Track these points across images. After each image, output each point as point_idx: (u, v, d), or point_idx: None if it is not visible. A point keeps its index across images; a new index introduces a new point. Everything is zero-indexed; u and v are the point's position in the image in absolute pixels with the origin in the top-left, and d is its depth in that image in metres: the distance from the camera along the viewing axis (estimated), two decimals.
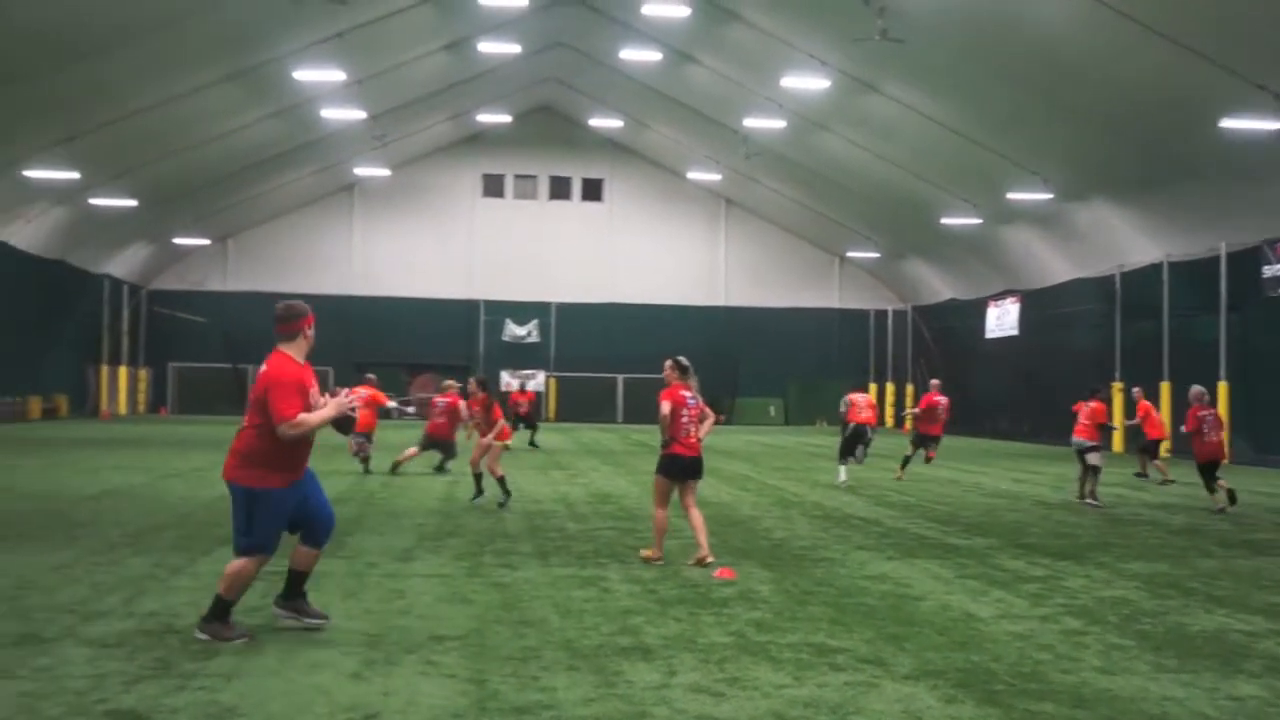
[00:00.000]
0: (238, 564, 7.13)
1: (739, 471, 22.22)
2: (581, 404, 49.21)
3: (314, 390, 7.31)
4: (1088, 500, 16.68)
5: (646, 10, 29.40)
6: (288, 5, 26.11)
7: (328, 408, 7.24)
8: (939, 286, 46.88)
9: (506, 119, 46.87)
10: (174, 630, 7.30)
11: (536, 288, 50.37)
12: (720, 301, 51.73)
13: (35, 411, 38.68)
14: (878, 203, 41.26)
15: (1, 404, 36.86)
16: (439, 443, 19.47)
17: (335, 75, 31.07)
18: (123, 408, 45.73)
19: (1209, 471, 16.07)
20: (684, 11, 29.18)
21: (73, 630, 7.27)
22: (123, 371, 46.16)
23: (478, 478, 15.30)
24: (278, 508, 7.10)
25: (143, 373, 48.10)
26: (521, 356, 50.11)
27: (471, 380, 15.92)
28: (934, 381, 22.53)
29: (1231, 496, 16.02)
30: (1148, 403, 22.33)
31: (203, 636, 7.07)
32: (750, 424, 48.10)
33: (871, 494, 17.95)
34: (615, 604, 8.53)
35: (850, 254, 50.02)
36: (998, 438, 38.33)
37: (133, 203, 36.66)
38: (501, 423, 15.23)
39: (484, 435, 15.16)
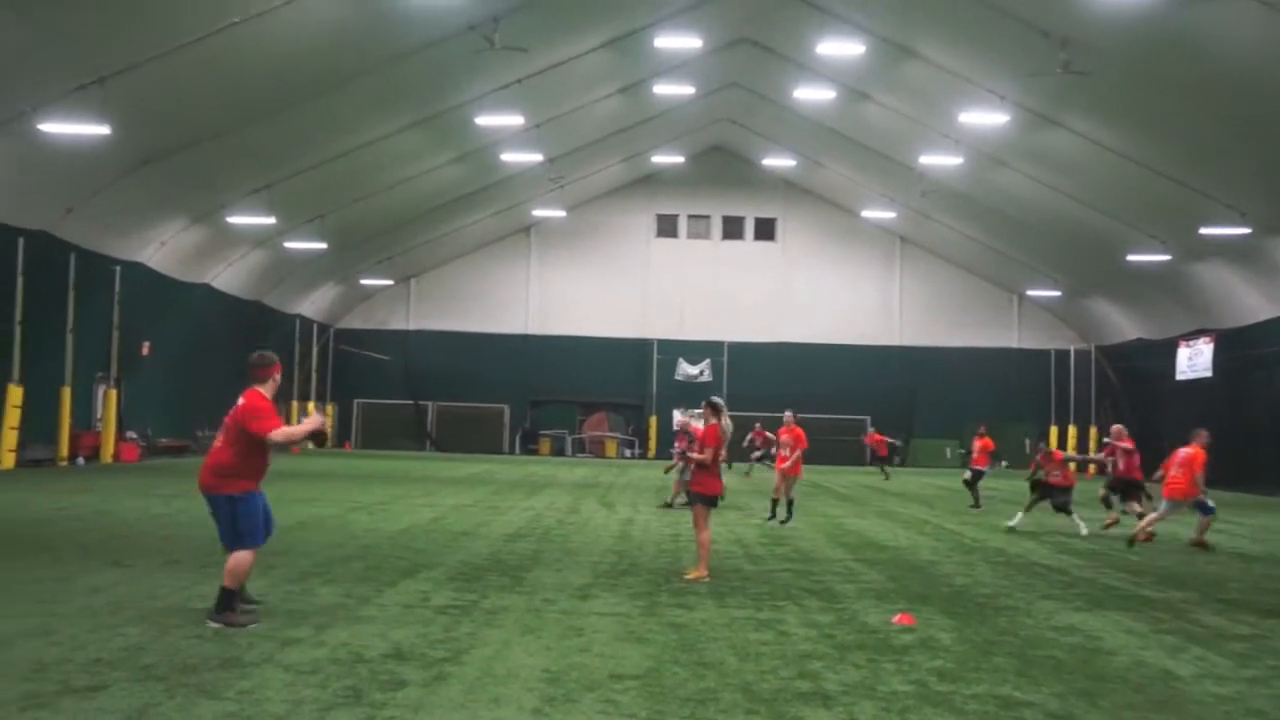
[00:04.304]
0: (239, 557, 8.55)
1: (916, 515, 21.75)
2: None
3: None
4: None
5: (821, 49, 29.45)
6: (471, 54, 27.04)
7: (306, 423, 9.09)
8: (1125, 326, 45.09)
9: (680, 159, 47.38)
10: (363, 660, 7.55)
11: (709, 327, 50.54)
12: (895, 341, 50.94)
13: None
14: (1059, 239, 40.02)
15: (203, 438, 38.93)
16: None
17: (515, 120, 32.02)
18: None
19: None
20: (859, 50, 29.07)
21: (271, 656, 7.59)
22: (311, 407, 48.14)
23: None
24: (256, 506, 8.71)
25: (330, 408, 50.09)
26: (694, 396, 50.23)
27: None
28: None
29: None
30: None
31: (216, 626, 8.32)
32: (926, 466, 47.06)
33: (1056, 541, 17.30)
34: (793, 648, 8.44)
35: (1030, 292, 48.63)
36: None
37: (323, 246, 38.41)
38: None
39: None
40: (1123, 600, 11.42)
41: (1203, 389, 38.20)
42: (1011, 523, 18.59)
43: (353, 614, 9.23)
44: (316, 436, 9.30)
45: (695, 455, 11.94)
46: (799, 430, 18.68)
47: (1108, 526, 18.71)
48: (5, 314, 26.82)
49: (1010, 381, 49.50)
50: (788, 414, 19.40)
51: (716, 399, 12.35)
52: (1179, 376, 40.02)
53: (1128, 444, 19.43)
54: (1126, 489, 19.46)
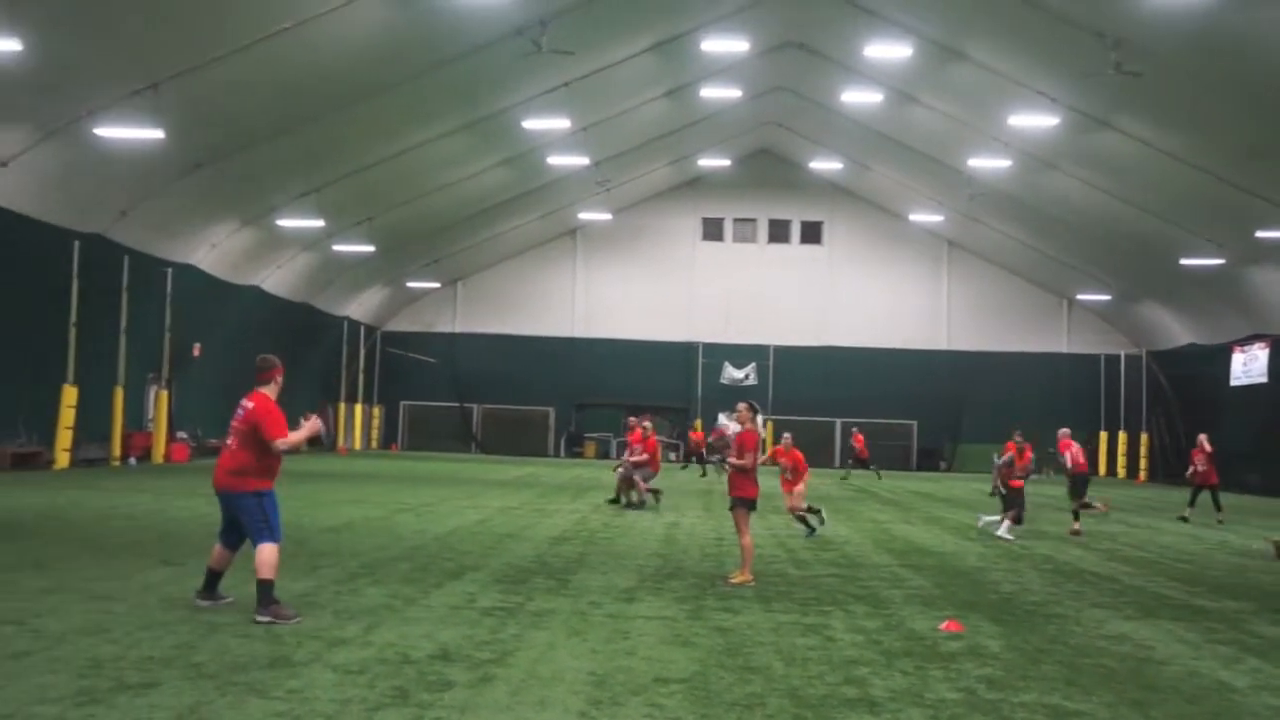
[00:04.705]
0: (268, 550, 8.87)
1: (963, 521, 21.56)
2: (799, 448, 48.66)
3: None
4: None
5: (868, 52, 29.28)
6: (518, 58, 27.15)
7: (303, 430, 9.29)
8: (1177, 331, 44.44)
9: (726, 163, 47.31)
10: (410, 660, 7.59)
11: (755, 330, 50.37)
12: (942, 345, 50.52)
13: None
14: (1110, 243, 39.54)
15: None
16: None
17: (561, 123, 32.10)
18: (358, 443, 48.07)
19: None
20: (906, 52, 28.87)
21: (319, 655, 7.65)
22: (358, 409, 48.54)
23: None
24: (276, 501, 9.17)
25: (376, 410, 50.47)
26: (739, 399, 49.93)
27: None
28: None
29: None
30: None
31: (265, 619, 8.54)
32: (973, 471, 46.59)
33: (1105, 548, 17.10)
34: (839, 653, 8.40)
35: (1080, 296, 48.06)
36: (1245, 493, 35.88)
37: (371, 248, 38.71)
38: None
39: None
40: (1175, 609, 11.26)
41: (1258, 395, 37.59)
42: (1008, 537, 17.91)
43: (400, 615, 9.30)
44: (315, 440, 9.71)
45: (733, 460, 11.92)
46: (798, 453, 18.67)
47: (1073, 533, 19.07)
48: (61, 316, 27.24)
49: (1059, 387, 48.89)
50: (786, 436, 19.49)
51: (753, 402, 12.47)
52: (1233, 382, 39.39)
53: (1062, 445, 20.54)
54: (1075, 485, 20.11)
